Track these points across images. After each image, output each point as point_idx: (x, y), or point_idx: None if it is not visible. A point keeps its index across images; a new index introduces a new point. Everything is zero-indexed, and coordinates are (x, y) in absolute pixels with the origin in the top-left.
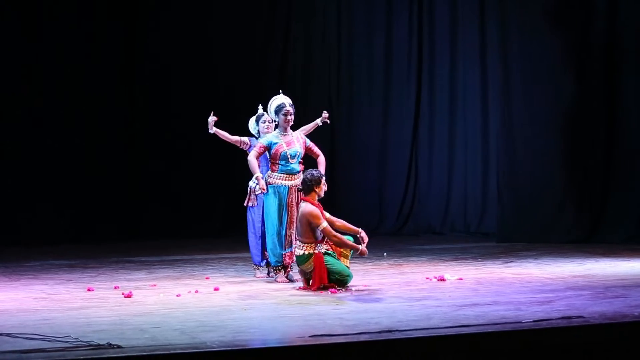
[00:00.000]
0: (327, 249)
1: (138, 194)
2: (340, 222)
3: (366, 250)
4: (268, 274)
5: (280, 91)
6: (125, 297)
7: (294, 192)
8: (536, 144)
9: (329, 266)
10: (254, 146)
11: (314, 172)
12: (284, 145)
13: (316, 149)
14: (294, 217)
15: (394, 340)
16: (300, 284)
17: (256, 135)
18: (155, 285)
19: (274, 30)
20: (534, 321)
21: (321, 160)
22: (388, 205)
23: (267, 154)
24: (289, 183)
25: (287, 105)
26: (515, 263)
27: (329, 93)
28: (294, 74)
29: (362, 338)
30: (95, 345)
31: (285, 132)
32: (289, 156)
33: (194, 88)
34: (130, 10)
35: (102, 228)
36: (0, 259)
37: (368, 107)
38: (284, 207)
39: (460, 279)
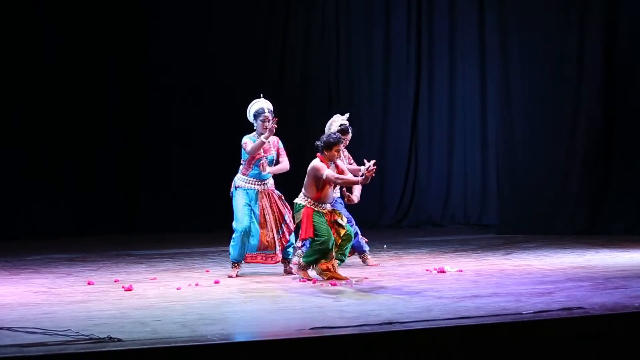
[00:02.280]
0: (327, 217)
1: (138, 187)
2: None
3: (368, 177)
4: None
5: (261, 95)
6: (125, 290)
7: (264, 197)
8: (535, 136)
9: (315, 224)
10: (246, 143)
11: (324, 137)
12: (262, 151)
13: (282, 157)
14: (267, 220)
15: (394, 332)
16: (295, 277)
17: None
18: (155, 279)
19: (272, 27)
20: (534, 312)
21: (282, 166)
22: (388, 198)
23: (245, 153)
24: (258, 187)
25: (267, 111)
26: (515, 254)
27: (329, 88)
28: (293, 71)
29: (363, 330)
30: (96, 338)
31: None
32: (265, 162)
33: (194, 83)
34: (129, 6)
35: (102, 222)
36: (1, 253)
37: (368, 101)
38: (255, 208)
39: (460, 270)
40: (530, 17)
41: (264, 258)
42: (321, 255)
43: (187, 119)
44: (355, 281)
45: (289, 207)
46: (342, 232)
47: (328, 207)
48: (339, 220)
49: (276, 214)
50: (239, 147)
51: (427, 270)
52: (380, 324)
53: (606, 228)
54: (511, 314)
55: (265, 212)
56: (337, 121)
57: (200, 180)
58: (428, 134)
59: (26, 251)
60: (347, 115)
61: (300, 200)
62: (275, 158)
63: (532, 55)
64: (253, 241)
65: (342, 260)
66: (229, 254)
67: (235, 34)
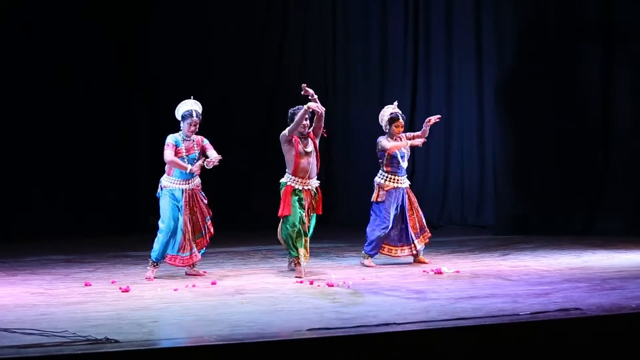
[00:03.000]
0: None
1: (135, 188)
2: None
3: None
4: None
5: (192, 96)
6: (122, 291)
7: (188, 197)
8: (532, 137)
9: (292, 205)
10: (169, 148)
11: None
12: (184, 151)
13: (208, 149)
14: (192, 222)
15: (391, 334)
16: (292, 278)
17: (385, 131)
18: (152, 280)
19: (269, 27)
20: (532, 313)
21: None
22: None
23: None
24: (184, 187)
25: (194, 115)
26: (512, 255)
27: (326, 90)
28: (289, 74)
29: (360, 331)
30: (93, 339)
31: (188, 137)
32: (186, 161)
33: (192, 84)
34: (127, 7)
35: (100, 223)
36: None
37: (365, 102)
38: (180, 208)
39: (458, 271)
40: (527, 16)
41: (181, 261)
42: (294, 237)
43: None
44: (352, 283)
45: (210, 210)
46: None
47: (310, 184)
48: (312, 207)
49: (197, 215)
50: (237, 145)
51: (424, 272)
52: (377, 325)
53: (603, 229)
54: (508, 315)
55: (190, 212)
56: (388, 110)
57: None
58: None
59: (23, 252)
60: (395, 103)
61: (283, 178)
62: (197, 157)
63: (527, 54)
64: (175, 243)
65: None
66: (151, 254)
67: (232, 34)
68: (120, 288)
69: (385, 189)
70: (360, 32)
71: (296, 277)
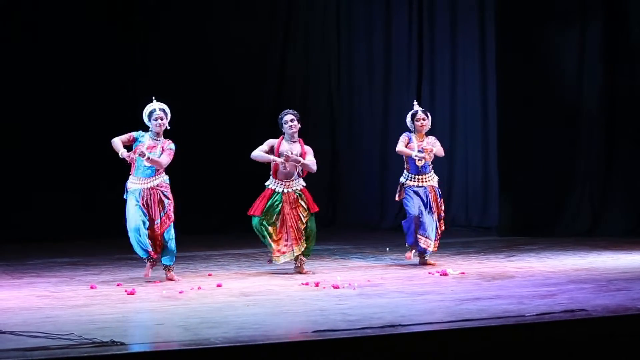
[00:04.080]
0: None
1: None
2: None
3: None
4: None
5: (154, 98)
6: (128, 294)
7: (147, 195)
8: (537, 138)
9: (267, 205)
10: (127, 134)
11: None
12: (145, 148)
13: (165, 154)
14: (153, 219)
15: (396, 335)
16: (297, 280)
17: (411, 129)
18: (158, 282)
19: (273, 31)
20: (537, 315)
21: (160, 159)
22: (390, 201)
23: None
24: (144, 186)
25: (158, 109)
26: (517, 257)
27: (330, 91)
28: (294, 73)
29: (365, 333)
30: (99, 342)
31: (156, 137)
32: (141, 153)
33: (195, 86)
34: (129, 10)
35: (105, 225)
36: (3, 257)
37: (369, 104)
38: (141, 207)
39: (463, 273)
40: (529, 17)
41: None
42: (262, 235)
43: (188, 124)
44: (358, 285)
45: (171, 209)
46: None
47: (293, 186)
48: (302, 207)
49: (158, 213)
50: (241, 147)
51: (429, 273)
52: (383, 327)
53: (608, 230)
54: (514, 316)
55: (151, 212)
56: (411, 112)
57: (201, 184)
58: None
59: (28, 255)
60: (415, 103)
61: (267, 181)
62: (158, 156)
63: (532, 55)
64: (145, 239)
65: (307, 255)
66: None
67: (235, 36)
68: (125, 290)
69: (405, 186)
70: (364, 32)
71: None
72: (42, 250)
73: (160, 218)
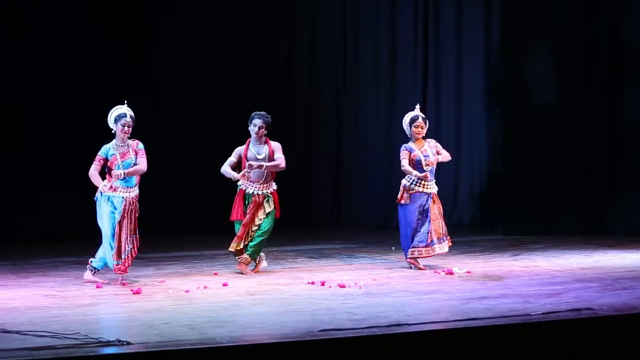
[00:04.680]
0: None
1: (146, 190)
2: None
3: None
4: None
5: (125, 101)
6: (134, 293)
7: (127, 204)
8: (542, 136)
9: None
10: (95, 161)
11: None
12: (119, 157)
13: (139, 158)
14: (132, 229)
15: (403, 334)
16: (303, 279)
17: (408, 135)
18: (163, 282)
19: (278, 31)
20: (543, 314)
21: (138, 168)
22: (395, 200)
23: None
24: (124, 194)
25: (127, 116)
26: (523, 256)
27: (335, 91)
28: (299, 72)
29: (371, 332)
30: (105, 341)
31: (122, 142)
32: (123, 167)
33: (198, 85)
34: (132, 10)
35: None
36: (9, 256)
37: (373, 103)
38: (118, 216)
39: (469, 272)
40: (535, 18)
41: (118, 269)
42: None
43: (191, 124)
44: (364, 284)
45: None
46: (257, 221)
47: (264, 189)
48: (264, 209)
49: (133, 225)
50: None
51: (435, 272)
52: (389, 326)
53: (614, 229)
54: (520, 315)
55: (127, 221)
56: (409, 114)
57: (207, 184)
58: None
59: (34, 254)
60: (417, 106)
61: (239, 181)
62: (134, 162)
63: (536, 54)
64: (112, 251)
65: (254, 254)
66: (92, 261)
67: (240, 35)
68: (131, 290)
69: (410, 192)
70: (369, 32)
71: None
72: (48, 250)
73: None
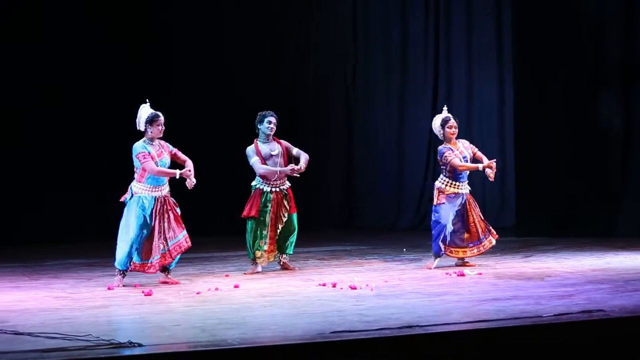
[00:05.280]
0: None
1: None
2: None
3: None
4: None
5: (147, 100)
6: (145, 295)
7: (159, 203)
8: (553, 138)
9: (260, 206)
10: (148, 158)
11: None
12: (156, 156)
13: (181, 155)
14: (162, 227)
15: (414, 336)
16: (315, 281)
17: (441, 137)
18: (175, 283)
19: (288, 28)
20: (555, 315)
21: (187, 163)
22: (406, 201)
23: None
24: (155, 194)
25: (162, 116)
26: (534, 257)
27: (346, 93)
28: (309, 76)
29: (383, 334)
30: (116, 343)
31: (152, 142)
32: (159, 166)
33: (208, 87)
34: (142, 13)
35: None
36: (20, 258)
37: (385, 104)
38: (148, 217)
39: (480, 273)
40: (546, 19)
41: (142, 267)
42: (253, 240)
43: (201, 126)
44: (375, 285)
45: (181, 222)
46: (283, 219)
47: (280, 185)
48: (286, 206)
49: (166, 223)
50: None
51: (446, 274)
52: (400, 328)
53: (626, 230)
54: (531, 317)
55: (158, 220)
56: (439, 117)
57: (216, 185)
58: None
59: (46, 256)
60: (445, 108)
61: (254, 181)
62: (168, 162)
63: (548, 57)
64: (140, 251)
65: (288, 254)
66: (116, 261)
67: (250, 35)
68: (143, 291)
69: (445, 193)
70: (380, 35)
71: (244, 273)
72: (59, 252)
73: (182, 236)
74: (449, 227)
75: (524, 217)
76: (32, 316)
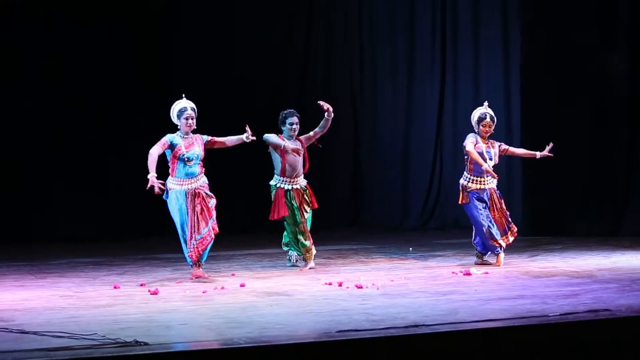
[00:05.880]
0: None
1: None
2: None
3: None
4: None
5: (183, 95)
6: (151, 294)
7: (190, 196)
8: (560, 137)
9: (286, 204)
10: (160, 143)
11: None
12: (184, 147)
13: (218, 139)
14: (195, 220)
15: (420, 335)
16: (321, 280)
17: (475, 130)
18: (181, 282)
19: (294, 30)
20: (561, 315)
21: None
22: (413, 200)
23: (169, 153)
24: (186, 187)
25: (189, 109)
26: (541, 257)
27: (352, 89)
28: (316, 71)
29: (389, 333)
30: (122, 342)
31: (186, 135)
32: (186, 158)
33: (216, 85)
34: (152, 11)
35: (128, 225)
36: (27, 257)
37: (392, 102)
38: (186, 210)
39: (486, 273)
40: (552, 14)
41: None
42: (298, 234)
43: (209, 124)
44: (381, 284)
45: (214, 209)
46: (306, 215)
47: (299, 182)
48: (307, 202)
49: (199, 216)
50: (263, 150)
51: (453, 273)
52: (406, 327)
53: (632, 229)
54: (537, 316)
55: (189, 214)
56: (478, 111)
57: (224, 184)
58: (452, 136)
59: (52, 255)
60: (486, 103)
61: (272, 180)
62: (199, 154)
63: (554, 53)
64: (183, 242)
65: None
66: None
67: (255, 37)
68: (149, 290)
69: (468, 190)
70: (387, 31)
71: (310, 267)
72: (65, 251)
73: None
74: (485, 223)
75: (531, 216)
76: (38, 315)
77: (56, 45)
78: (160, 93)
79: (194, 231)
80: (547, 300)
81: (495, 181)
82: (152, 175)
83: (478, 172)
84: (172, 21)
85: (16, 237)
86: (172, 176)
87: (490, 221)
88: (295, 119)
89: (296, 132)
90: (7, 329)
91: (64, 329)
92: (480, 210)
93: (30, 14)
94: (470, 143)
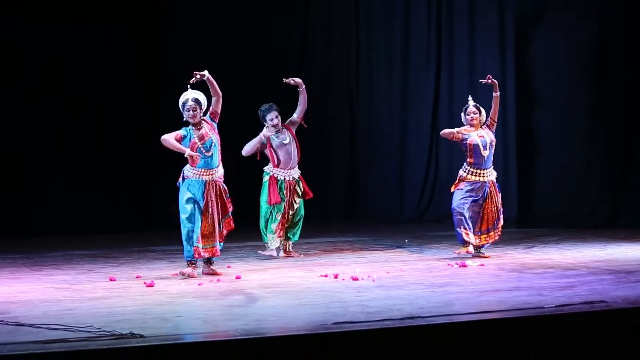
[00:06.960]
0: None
1: (159, 183)
2: None
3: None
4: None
5: (188, 86)
6: (147, 286)
7: (211, 188)
8: (556, 129)
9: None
10: (175, 133)
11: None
12: (198, 140)
13: (212, 103)
14: (209, 212)
15: (416, 327)
16: (316, 272)
17: (464, 123)
18: (177, 274)
19: (292, 23)
20: (556, 306)
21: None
22: (409, 192)
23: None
24: (205, 178)
25: (190, 100)
26: (536, 248)
27: (348, 82)
28: (313, 64)
29: (385, 325)
30: (118, 334)
31: (197, 127)
32: (204, 150)
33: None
34: (151, 10)
35: (124, 218)
36: (22, 249)
37: (387, 95)
38: (200, 201)
39: (482, 265)
40: (550, 8)
41: (212, 250)
42: (267, 219)
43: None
44: (377, 276)
45: (230, 202)
46: (295, 206)
47: (292, 174)
48: (298, 193)
49: (219, 207)
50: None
51: (448, 265)
52: (402, 319)
53: (628, 221)
54: (533, 308)
55: (210, 204)
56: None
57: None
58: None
59: (47, 247)
60: (469, 97)
61: (267, 167)
62: (214, 141)
63: (552, 45)
64: (194, 235)
65: (294, 241)
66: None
67: (253, 28)
68: (144, 283)
69: (466, 180)
70: (383, 24)
71: (263, 252)
72: (61, 243)
73: (226, 218)
74: (465, 212)
75: (526, 208)
76: (34, 307)
77: (56, 45)
78: (160, 93)
79: (219, 222)
80: (543, 292)
81: (494, 173)
82: (185, 149)
83: (478, 164)
84: (172, 21)
85: (15, 232)
86: (191, 165)
87: (469, 216)
88: (273, 114)
89: (279, 125)
90: (2, 321)
91: (60, 321)
92: (465, 198)
93: (30, 14)
94: (447, 129)
